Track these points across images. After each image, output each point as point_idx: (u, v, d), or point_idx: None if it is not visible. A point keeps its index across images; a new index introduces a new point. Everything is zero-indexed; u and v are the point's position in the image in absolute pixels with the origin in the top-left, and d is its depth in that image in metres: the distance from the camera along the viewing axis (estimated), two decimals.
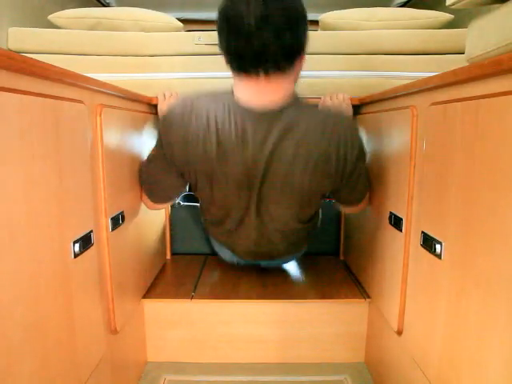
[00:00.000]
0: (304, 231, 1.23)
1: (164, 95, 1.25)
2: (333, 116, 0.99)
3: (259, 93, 0.91)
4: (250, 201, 1.06)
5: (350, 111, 1.28)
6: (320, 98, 1.31)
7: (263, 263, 1.40)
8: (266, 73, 0.86)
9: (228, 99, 0.95)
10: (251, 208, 1.08)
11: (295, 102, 0.95)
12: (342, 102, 1.27)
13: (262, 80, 0.88)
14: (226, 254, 1.36)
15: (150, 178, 1.11)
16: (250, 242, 1.19)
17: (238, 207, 1.09)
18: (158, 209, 1.33)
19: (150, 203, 1.17)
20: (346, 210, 1.30)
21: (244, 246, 1.23)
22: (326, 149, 0.94)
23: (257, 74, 0.86)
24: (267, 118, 0.92)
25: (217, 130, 0.92)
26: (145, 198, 1.16)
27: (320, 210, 1.36)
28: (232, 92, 0.96)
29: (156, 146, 1.05)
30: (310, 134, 0.93)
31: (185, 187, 1.15)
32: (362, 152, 1.02)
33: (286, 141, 0.93)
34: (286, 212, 1.10)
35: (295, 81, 0.96)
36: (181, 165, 1.02)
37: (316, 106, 1.03)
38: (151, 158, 1.08)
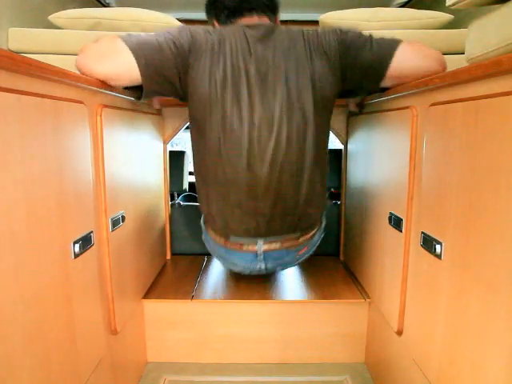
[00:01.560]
0: (318, 175, 1.11)
1: None
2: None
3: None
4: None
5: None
6: None
7: (272, 264, 1.22)
8: (259, 16, 1.11)
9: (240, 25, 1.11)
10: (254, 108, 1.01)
11: None
12: None
13: (256, 18, 1.11)
14: (231, 259, 1.23)
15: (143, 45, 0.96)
16: (260, 185, 1.05)
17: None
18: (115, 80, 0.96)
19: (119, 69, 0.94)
20: (408, 68, 1.01)
21: (254, 197, 1.07)
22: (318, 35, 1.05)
23: (251, 15, 1.10)
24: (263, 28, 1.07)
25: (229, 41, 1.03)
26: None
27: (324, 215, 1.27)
28: None
29: (170, 35, 0.99)
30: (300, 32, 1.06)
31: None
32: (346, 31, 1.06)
33: (280, 36, 1.05)
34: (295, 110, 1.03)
35: None
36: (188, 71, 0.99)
37: None
38: (158, 39, 0.97)
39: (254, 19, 1.12)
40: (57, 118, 0.69)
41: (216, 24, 1.15)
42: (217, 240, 1.22)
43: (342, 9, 1.43)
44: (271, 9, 1.14)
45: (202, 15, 1.21)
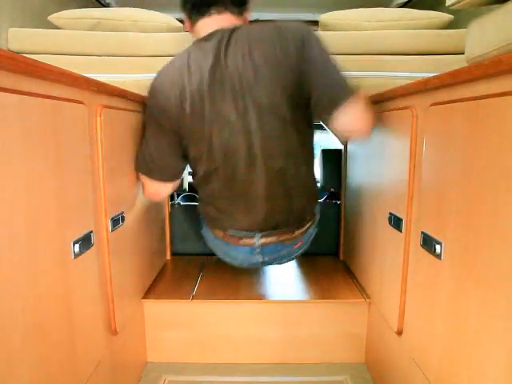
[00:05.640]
0: (307, 172, 1.15)
1: None
2: (283, 23, 1.03)
3: (214, 26, 1.04)
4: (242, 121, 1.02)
5: None
6: None
7: (271, 255, 1.26)
8: (218, 11, 1.05)
9: (190, 46, 1.07)
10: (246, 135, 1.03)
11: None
12: None
13: (216, 16, 1.05)
14: (229, 252, 1.26)
15: (147, 157, 1.11)
16: (256, 194, 1.10)
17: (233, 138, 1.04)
18: (161, 195, 1.23)
19: (152, 189, 1.15)
20: (343, 126, 1.03)
21: (251, 203, 1.13)
22: (281, 41, 0.97)
23: (209, 12, 1.05)
24: (220, 34, 1.01)
25: (188, 68, 1.01)
26: (146, 184, 1.15)
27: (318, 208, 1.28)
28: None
29: (147, 118, 1.09)
30: (263, 35, 1.00)
31: (182, 159, 1.13)
32: (317, 39, 1.00)
33: (244, 49, 0.98)
34: (276, 127, 1.02)
35: None
36: (173, 120, 1.04)
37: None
38: (146, 136, 1.11)
39: (214, 19, 1.05)
40: (57, 118, 0.69)
41: (187, 23, 1.12)
42: (215, 233, 1.24)
43: (342, 9, 1.43)
44: (235, 3, 1.05)
45: None
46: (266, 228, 1.17)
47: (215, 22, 1.05)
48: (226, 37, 1.00)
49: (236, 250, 1.23)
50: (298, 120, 1.05)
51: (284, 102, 1.00)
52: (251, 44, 0.98)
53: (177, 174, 1.18)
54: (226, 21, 1.05)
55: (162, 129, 1.07)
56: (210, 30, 1.03)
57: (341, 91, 0.98)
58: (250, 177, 1.08)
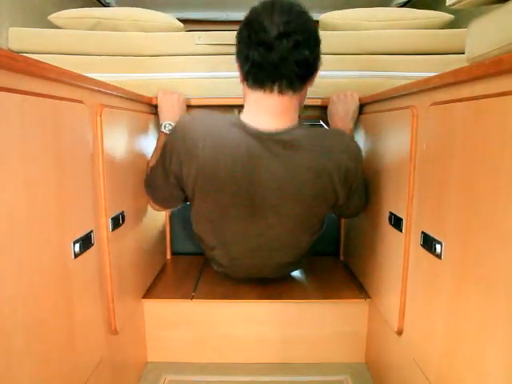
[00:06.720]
0: (302, 245, 1.24)
1: (163, 93, 1.29)
2: (335, 135, 1.06)
3: (269, 111, 0.96)
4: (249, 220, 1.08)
5: (354, 108, 1.27)
6: (327, 99, 1.32)
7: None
8: (280, 90, 0.92)
9: (236, 120, 0.99)
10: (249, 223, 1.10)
11: (299, 126, 1.00)
12: (347, 98, 1.27)
13: (275, 96, 0.93)
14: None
15: (152, 184, 1.15)
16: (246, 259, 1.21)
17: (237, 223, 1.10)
18: (163, 210, 1.37)
19: (155, 205, 1.21)
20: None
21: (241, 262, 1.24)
22: (330, 165, 0.99)
23: (271, 88, 0.92)
24: (273, 139, 0.97)
25: (224, 148, 0.96)
26: (149, 200, 1.20)
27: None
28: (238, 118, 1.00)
29: (161, 156, 1.07)
30: (313, 154, 0.98)
31: (183, 197, 1.14)
32: (360, 166, 1.07)
33: (290, 161, 0.98)
34: (285, 232, 1.13)
35: (301, 105, 1.03)
36: (183, 177, 1.03)
37: (318, 127, 1.08)
38: (154, 165, 1.12)
39: (272, 98, 0.93)
40: (57, 117, 0.69)
41: (240, 74, 0.98)
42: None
43: (342, 9, 1.43)
44: (302, 73, 0.92)
45: (201, 15, 1.21)
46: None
47: (273, 102, 0.94)
48: (278, 147, 0.96)
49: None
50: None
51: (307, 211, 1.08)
52: (299, 176, 0.99)
53: (176, 206, 1.21)
54: (284, 104, 0.95)
55: (170, 179, 1.06)
56: (263, 110, 0.96)
57: (357, 212, 1.25)
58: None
